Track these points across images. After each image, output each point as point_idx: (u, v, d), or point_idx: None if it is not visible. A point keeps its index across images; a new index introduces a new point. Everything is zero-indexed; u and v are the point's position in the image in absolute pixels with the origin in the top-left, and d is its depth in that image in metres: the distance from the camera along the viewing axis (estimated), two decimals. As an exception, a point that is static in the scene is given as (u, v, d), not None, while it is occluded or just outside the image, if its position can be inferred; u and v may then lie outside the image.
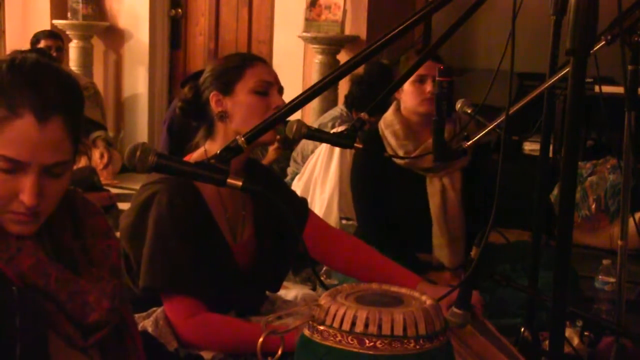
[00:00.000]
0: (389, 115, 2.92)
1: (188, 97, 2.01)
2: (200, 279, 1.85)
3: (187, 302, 1.84)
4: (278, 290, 2.17)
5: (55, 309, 1.27)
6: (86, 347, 1.31)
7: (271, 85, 1.98)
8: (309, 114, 5.19)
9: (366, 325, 1.20)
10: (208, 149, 1.97)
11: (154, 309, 1.89)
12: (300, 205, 2.20)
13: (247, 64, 1.98)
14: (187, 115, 2.04)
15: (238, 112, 1.96)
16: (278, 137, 4.47)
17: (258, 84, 1.96)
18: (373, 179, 2.89)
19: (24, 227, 1.26)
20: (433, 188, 2.85)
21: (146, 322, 1.84)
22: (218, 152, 1.49)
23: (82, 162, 4.89)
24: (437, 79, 2.15)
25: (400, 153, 2.84)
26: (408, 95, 2.85)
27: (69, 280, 1.29)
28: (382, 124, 2.92)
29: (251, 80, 1.96)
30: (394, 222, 2.87)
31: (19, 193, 1.22)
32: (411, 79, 2.79)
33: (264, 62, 2.04)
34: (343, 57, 5.24)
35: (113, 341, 1.38)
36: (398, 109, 2.91)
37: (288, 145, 4.46)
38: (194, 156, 1.97)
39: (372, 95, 3.81)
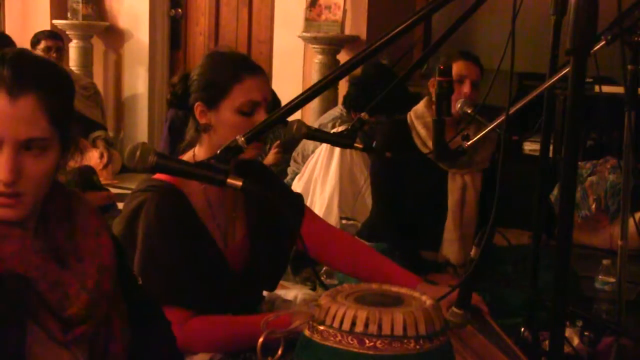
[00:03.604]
0: (420, 107, 2.96)
1: (177, 91, 1.98)
2: (191, 288, 1.84)
3: (178, 312, 1.83)
4: (275, 289, 2.16)
5: (37, 299, 1.27)
6: (66, 342, 1.31)
7: (258, 105, 1.90)
8: (309, 114, 5.19)
9: (366, 325, 1.20)
10: (197, 153, 1.95)
11: None
12: (297, 202, 2.19)
13: (236, 79, 1.89)
14: (174, 106, 2.02)
15: (221, 128, 1.90)
16: (278, 141, 4.51)
17: (244, 104, 1.88)
18: (393, 170, 2.92)
19: (7, 211, 1.26)
20: (454, 184, 2.89)
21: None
22: (218, 152, 1.49)
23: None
24: (437, 78, 2.15)
25: (429, 144, 2.86)
26: None
27: (52, 270, 1.28)
28: (412, 115, 2.95)
29: (237, 99, 1.88)
30: (408, 216, 2.89)
31: None
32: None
33: (257, 74, 1.93)
34: (343, 57, 5.24)
35: (99, 341, 1.37)
36: (431, 105, 2.92)
37: (287, 149, 4.47)
38: (184, 159, 1.95)
39: (369, 95, 3.81)
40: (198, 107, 1.93)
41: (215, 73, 1.93)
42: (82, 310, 1.29)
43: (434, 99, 2.90)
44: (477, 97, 2.85)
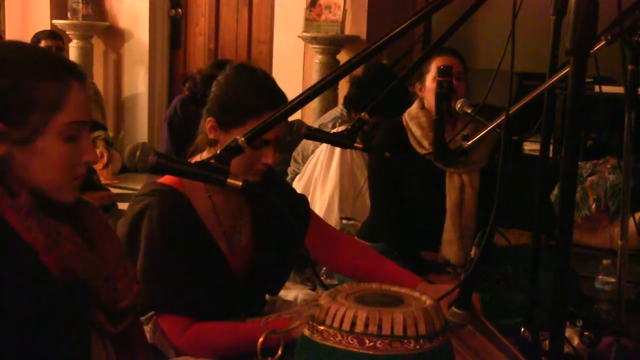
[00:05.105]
0: (414, 109, 2.98)
1: (197, 92, 1.96)
2: (192, 295, 1.84)
3: (179, 319, 1.83)
4: (277, 293, 2.16)
5: (90, 297, 1.29)
6: (116, 334, 1.33)
7: (267, 143, 1.86)
8: (309, 114, 5.19)
9: (366, 325, 1.20)
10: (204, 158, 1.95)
11: (152, 313, 1.89)
12: (302, 205, 2.18)
13: (255, 113, 1.83)
14: (191, 103, 2.00)
15: None
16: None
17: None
18: (391, 171, 2.93)
19: (74, 193, 1.35)
20: (452, 184, 2.89)
21: (145, 328, 1.83)
22: (218, 152, 1.49)
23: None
24: (437, 79, 2.15)
25: (425, 143, 2.88)
26: (430, 92, 2.87)
27: (101, 265, 1.31)
28: (406, 117, 2.97)
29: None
30: (407, 216, 2.89)
31: (82, 156, 1.32)
32: (432, 75, 2.84)
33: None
34: (343, 57, 5.23)
35: (123, 333, 1.39)
36: (423, 106, 2.96)
37: (287, 149, 4.45)
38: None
39: (370, 96, 3.81)
40: (210, 122, 1.90)
41: (236, 97, 1.89)
42: (133, 301, 1.35)
43: (423, 101, 2.95)
44: (464, 88, 2.85)
